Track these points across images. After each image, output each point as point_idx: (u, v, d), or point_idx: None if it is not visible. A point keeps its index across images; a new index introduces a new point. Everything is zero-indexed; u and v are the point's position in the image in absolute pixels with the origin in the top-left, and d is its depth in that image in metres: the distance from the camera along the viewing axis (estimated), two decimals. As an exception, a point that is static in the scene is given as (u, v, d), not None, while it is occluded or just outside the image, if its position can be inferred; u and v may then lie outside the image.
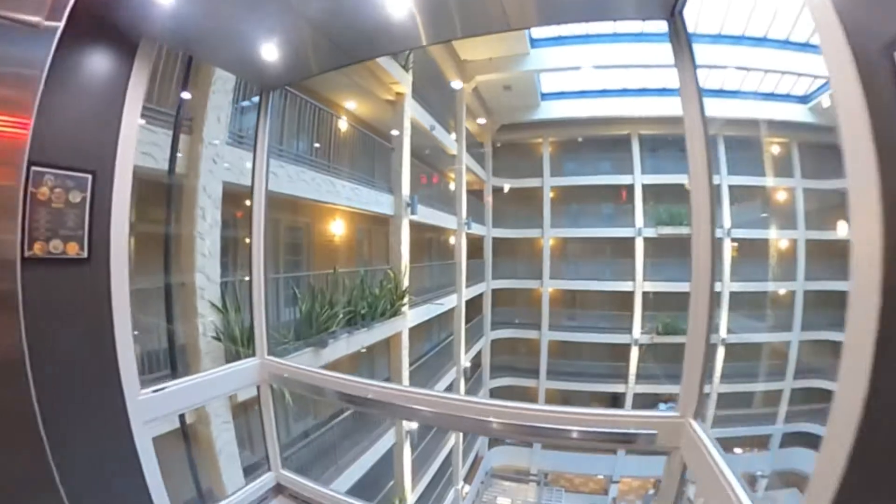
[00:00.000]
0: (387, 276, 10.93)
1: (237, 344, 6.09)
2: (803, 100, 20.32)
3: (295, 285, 8.25)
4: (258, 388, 3.44)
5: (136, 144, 2.29)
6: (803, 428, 21.20)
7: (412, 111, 11.88)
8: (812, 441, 21.14)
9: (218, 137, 6.05)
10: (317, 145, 8.63)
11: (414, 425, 12.20)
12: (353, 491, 9.81)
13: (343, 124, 9.56)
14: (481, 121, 19.66)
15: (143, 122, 5.00)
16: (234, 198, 6.83)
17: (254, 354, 3.37)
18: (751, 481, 20.58)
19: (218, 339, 5.75)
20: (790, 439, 21.58)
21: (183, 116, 5.82)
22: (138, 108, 2.27)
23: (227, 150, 6.26)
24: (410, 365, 12.37)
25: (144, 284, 5.47)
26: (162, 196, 5.48)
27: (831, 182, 20.85)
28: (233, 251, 7.60)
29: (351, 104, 12.01)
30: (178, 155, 5.55)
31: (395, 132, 11.50)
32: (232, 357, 6.06)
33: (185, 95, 5.68)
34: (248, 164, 7.07)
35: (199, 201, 5.92)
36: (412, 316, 11.82)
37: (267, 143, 3.56)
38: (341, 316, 8.14)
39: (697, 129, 2.25)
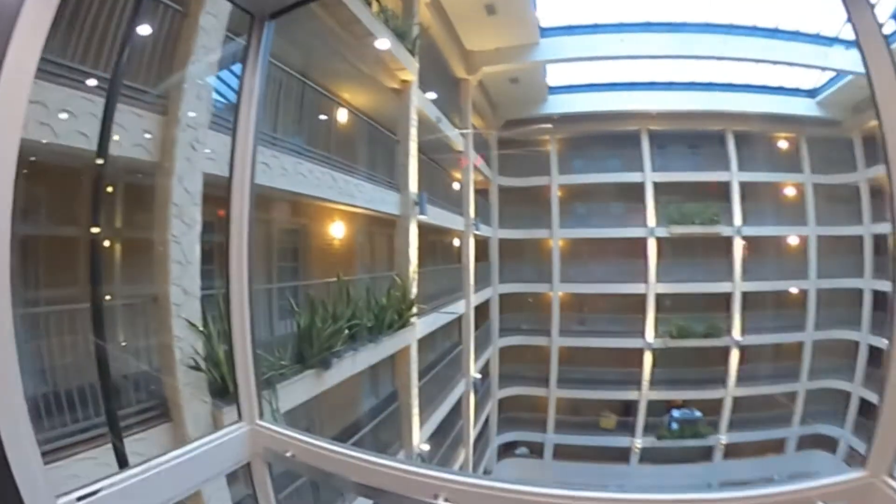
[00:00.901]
0: (393, 283, 9.76)
1: (221, 369, 4.91)
2: (811, 94, 19.48)
3: (291, 296, 7.10)
4: (248, 464, 2.25)
5: (28, 107, 1.36)
6: None
7: (418, 101, 10.74)
8: None
9: (198, 118, 4.88)
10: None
11: (425, 447, 11.06)
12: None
13: (344, 113, 8.41)
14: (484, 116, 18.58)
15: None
16: (217, 194, 5.66)
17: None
18: None
19: (196, 367, 4.56)
20: None
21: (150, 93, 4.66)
22: (36, 49, 1.19)
23: (211, 136, 5.08)
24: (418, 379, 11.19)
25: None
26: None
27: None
28: (219, 257, 6.45)
29: (352, 93, 10.87)
30: (147, 136, 4.38)
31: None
32: (217, 389, 4.87)
33: (144, 30, 4.48)
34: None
35: (173, 196, 4.73)
36: (420, 326, 10.67)
37: (256, 105, 2.39)
38: (346, 332, 6.96)
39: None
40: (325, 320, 6.44)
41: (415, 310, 9.72)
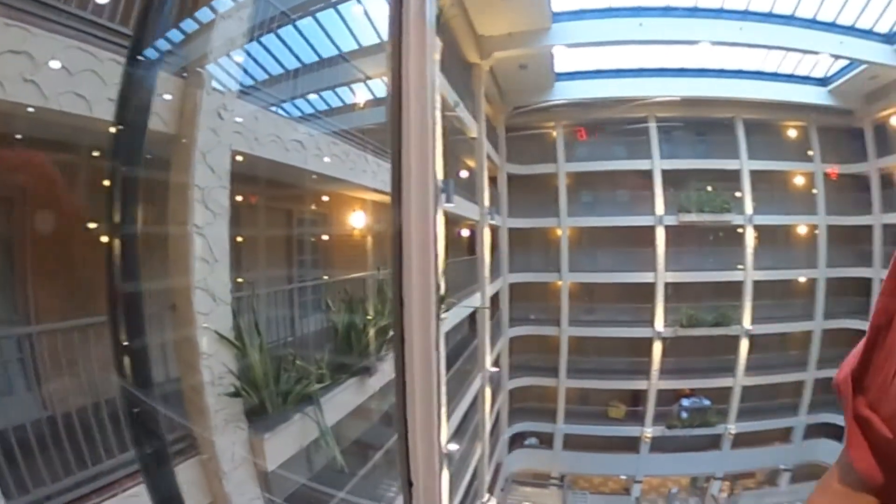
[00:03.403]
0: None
1: (261, 390, 3.92)
2: (823, 82, 18.74)
3: (318, 291, 6.12)
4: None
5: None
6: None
7: (440, 83, 9.73)
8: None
9: (226, 81, 3.84)
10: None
11: (453, 446, 10.19)
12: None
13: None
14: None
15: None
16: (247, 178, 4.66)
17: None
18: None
19: (236, 394, 3.56)
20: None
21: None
22: None
23: (240, 105, 4.05)
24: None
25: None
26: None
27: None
28: (250, 252, 5.45)
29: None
30: (166, 97, 3.34)
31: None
32: (254, 410, 3.89)
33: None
34: (270, 128, 4.87)
35: (194, 177, 3.70)
36: (448, 320, 9.75)
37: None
38: (391, 332, 6.01)
39: None
40: (366, 321, 5.46)
41: (444, 305, 8.76)
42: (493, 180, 18.65)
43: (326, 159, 5.27)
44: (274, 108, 4.66)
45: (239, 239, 6.16)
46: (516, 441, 21.06)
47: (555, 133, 19.61)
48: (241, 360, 3.81)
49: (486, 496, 15.79)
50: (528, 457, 20.84)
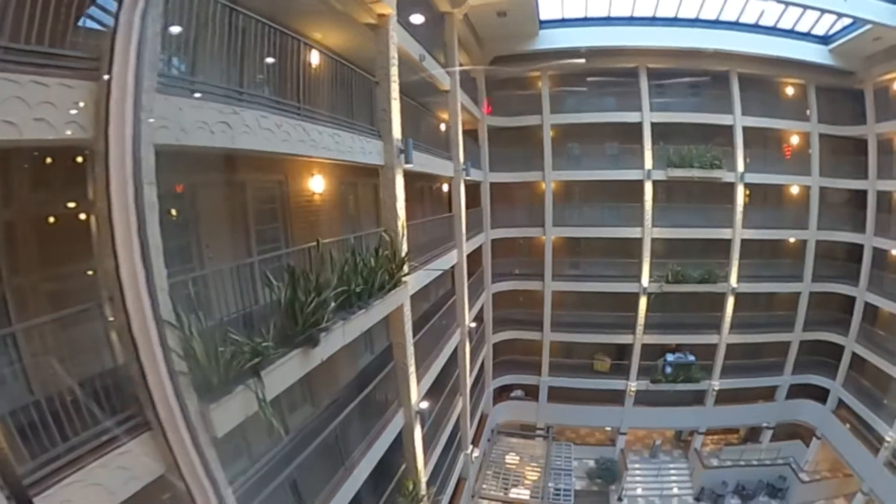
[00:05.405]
0: (382, 241, 9.26)
1: (206, 363, 4.52)
2: (824, 40, 18.47)
3: (271, 263, 6.60)
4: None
5: None
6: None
7: (398, 38, 9.78)
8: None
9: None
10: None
11: (424, 404, 11.01)
12: (366, 487, 8.72)
13: (316, 56, 7.56)
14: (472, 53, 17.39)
15: None
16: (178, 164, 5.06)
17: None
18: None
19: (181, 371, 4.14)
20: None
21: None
22: None
23: (160, 100, 4.40)
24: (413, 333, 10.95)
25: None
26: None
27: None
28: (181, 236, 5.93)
29: (325, 32, 9.92)
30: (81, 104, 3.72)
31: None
32: (206, 390, 4.52)
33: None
34: (195, 115, 5.22)
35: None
36: (413, 282, 10.28)
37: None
38: (333, 304, 6.54)
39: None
40: (308, 293, 5.99)
41: (406, 268, 9.27)
42: (472, 133, 18.78)
43: (256, 135, 5.64)
44: (198, 95, 4.99)
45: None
46: (503, 393, 22.26)
47: (539, 83, 19.50)
48: (182, 341, 4.38)
49: (470, 448, 16.98)
50: (514, 409, 22.11)
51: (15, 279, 4.79)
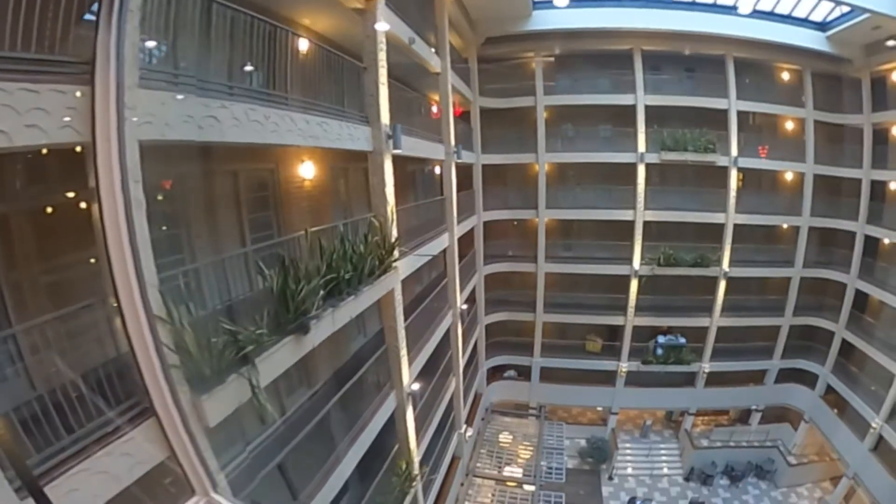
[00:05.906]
0: (371, 227, 9.38)
1: (198, 354, 4.69)
2: (821, 27, 18.36)
3: (264, 251, 6.74)
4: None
5: None
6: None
7: (386, 21, 9.76)
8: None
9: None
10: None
11: (415, 386, 11.28)
12: (359, 468, 8.99)
13: (304, 44, 7.59)
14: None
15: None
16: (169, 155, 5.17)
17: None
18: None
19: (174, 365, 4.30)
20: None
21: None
22: None
23: (143, 96, 4.47)
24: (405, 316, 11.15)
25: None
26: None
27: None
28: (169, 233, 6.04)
29: (312, 18, 9.89)
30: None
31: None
32: (199, 382, 4.69)
33: None
34: (181, 109, 5.29)
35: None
36: (403, 267, 10.44)
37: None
38: (322, 292, 6.71)
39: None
40: (298, 281, 6.15)
41: (396, 254, 9.42)
42: (465, 115, 18.76)
43: (245, 127, 5.73)
44: (183, 89, 5.06)
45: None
46: (496, 374, 22.66)
47: (533, 65, 19.41)
48: (174, 335, 4.53)
49: (464, 427, 17.36)
50: (507, 388, 22.54)
51: (13, 272, 4.93)
